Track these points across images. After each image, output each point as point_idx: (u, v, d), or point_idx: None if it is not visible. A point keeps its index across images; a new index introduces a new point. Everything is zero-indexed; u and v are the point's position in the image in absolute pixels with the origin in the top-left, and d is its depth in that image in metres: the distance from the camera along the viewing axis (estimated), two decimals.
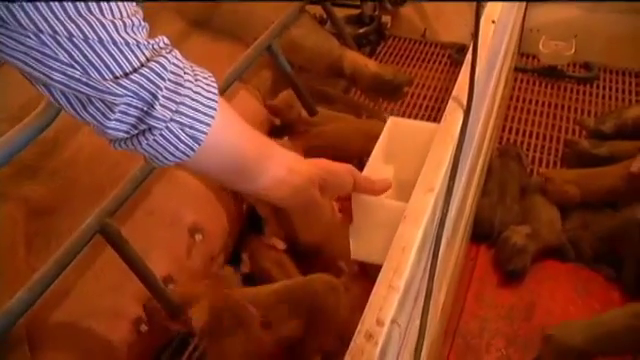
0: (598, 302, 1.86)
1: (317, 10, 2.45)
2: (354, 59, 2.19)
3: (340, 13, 2.77)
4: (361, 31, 2.95)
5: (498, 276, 1.94)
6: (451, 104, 1.15)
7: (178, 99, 0.72)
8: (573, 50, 2.76)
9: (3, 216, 1.38)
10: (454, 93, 1.17)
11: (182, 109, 0.73)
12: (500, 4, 1.48)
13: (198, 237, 1.57)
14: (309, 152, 1.78)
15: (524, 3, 2.55)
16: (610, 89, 2.81)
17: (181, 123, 0.73)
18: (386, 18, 3.15)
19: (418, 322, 0.92)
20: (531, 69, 2.91)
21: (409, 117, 2.58)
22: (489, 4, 1.45)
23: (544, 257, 1.96)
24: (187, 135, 0.75)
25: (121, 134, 0.73)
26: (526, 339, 1.75)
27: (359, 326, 0.78)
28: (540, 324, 1.78)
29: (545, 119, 2.63)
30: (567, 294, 1.88)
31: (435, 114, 2.66)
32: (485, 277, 1.94)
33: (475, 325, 1.80)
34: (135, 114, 0.70)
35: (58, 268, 1.23)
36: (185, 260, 1.57)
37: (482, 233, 2.03)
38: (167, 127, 0.73)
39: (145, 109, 0.70)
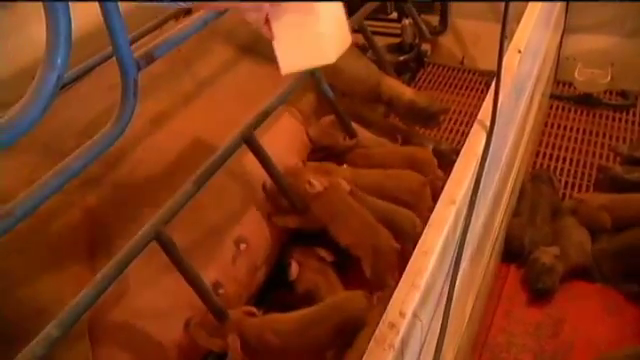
0: (628, 321, 1.90)
1: (360, 39, 2.59)
2: (391, 86, 2.31)
3: (382, 42, 2.91)
4: (402, 58, 3.09)
5: (527, 295, 2.01)
6: (475, 127, 1.26)
7: None
8: (609, 78, 2.81)
9: (69, 223, 1.52)
10: (479, 117, 1.28)
11: None
12: (527, 35, 1.58)
13: (242, 246, 1.70)
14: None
15: (559, 32, 2.62)
16: None
17: None
18: (426, 46, 3.28)
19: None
20: (567, 96, 2.97)
21: (446, 141, 2.66)
22: (516, 35, 1.55)
23: (573, 277, 2.02)
24: None
25: None
26: (553, 355, 1.82)
27: (383, 316, 0.89)
28: (567, 341, 1.84)
29: (579, 145, 2.69)
30: (595, 313, 1.93)
31: None
32: (514, 295, 2.01)
33: (503, 340, 1.87)
34: None
35: (118, 269, 1.37)
36: (231, 267, 1.69)
37: (512, 251, 2.10)
38: None
39: None
